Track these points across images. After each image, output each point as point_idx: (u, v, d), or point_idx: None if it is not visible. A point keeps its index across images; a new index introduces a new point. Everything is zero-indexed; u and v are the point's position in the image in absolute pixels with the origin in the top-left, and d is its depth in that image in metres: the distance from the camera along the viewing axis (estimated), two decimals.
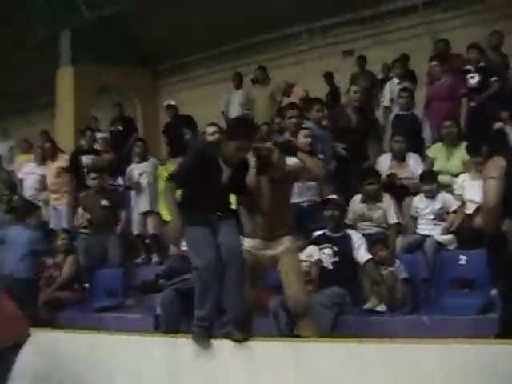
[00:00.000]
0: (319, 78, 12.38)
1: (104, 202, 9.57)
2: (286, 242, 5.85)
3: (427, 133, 8.90)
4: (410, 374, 4.61)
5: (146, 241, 9.91)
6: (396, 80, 10.25)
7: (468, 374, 4.38)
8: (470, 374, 4.37)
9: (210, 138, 8.38)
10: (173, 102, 11.30)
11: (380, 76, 11.50)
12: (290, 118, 7.92)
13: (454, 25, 11.98)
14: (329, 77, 12.30)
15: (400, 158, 8.00)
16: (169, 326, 6.40)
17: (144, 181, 9.89)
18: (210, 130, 8.60)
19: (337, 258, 6.70)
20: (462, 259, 6.71)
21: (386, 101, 10.09)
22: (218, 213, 5.59)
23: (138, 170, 10.02)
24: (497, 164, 4.67)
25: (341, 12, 13.07)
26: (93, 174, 9.77)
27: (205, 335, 5.56)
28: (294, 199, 6.82)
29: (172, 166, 8.25)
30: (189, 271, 6.29)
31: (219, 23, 13.20)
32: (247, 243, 5.89)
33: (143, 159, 10.15)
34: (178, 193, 5.68)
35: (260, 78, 11.38)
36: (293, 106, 8.32)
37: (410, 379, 4.61)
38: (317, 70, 12.80)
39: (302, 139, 7.33)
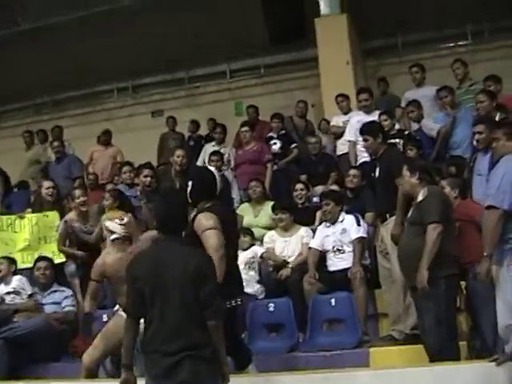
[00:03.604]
0: (130, 135, 12.81)
1: None
2: None
3: (236, 193, 9.38)
4: None
5: None
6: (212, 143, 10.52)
7: None
8: None
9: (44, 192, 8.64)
10: None
11: (188, 134, 11.99)
12: (125, 173, 8.98)
13: (256, 92, 12.94)
14: None
15: None
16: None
17: None
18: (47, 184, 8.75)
19: None
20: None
21: (200, 161, 10.34)
22: None
23: None
24: None
25: (153, 72, 13.56)
26: None
27: None
28: None
29: None
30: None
31: (29, 78, 13.01)
32: None
33: None
34: None
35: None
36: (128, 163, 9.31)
37: None
38: (127, 128, 13.28)
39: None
